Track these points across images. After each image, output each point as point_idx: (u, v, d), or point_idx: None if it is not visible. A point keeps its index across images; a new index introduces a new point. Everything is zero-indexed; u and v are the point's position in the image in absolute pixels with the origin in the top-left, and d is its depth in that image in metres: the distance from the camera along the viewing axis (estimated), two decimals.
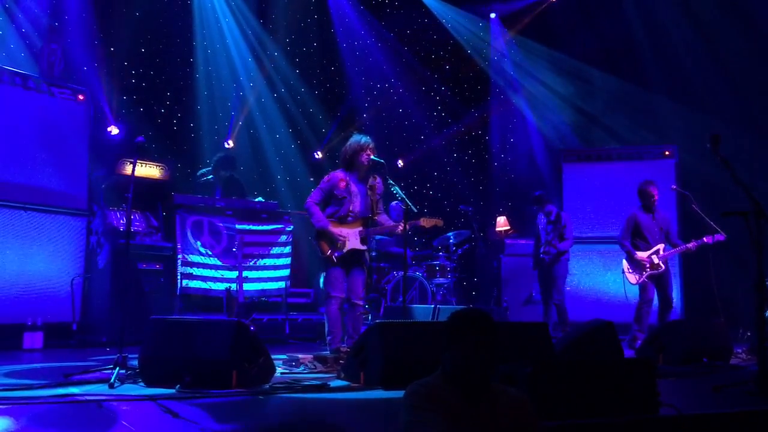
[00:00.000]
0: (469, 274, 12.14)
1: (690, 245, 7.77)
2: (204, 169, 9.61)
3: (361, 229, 6.24)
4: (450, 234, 9.92)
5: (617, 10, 11.58)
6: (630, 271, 8.03)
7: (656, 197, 8.03)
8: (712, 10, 10.71)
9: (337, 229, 6.17)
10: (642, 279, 7.92)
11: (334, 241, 6.14)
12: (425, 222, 6.31)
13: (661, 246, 7.94)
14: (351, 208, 6.25)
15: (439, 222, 6.45)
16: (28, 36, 8.65)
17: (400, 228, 6.20)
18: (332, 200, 6.29)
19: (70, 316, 7.44)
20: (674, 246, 7.97)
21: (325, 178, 6.40)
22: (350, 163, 6.33)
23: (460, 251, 10.08)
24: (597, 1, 11.77)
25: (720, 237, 7.51)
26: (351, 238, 6.20)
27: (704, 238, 7.63)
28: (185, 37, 10.67)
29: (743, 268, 8.26)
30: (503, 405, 2.69)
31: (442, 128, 13.12)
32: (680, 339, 6.39)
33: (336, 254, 6.13)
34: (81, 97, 8.07)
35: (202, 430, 3.37)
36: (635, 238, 8.07)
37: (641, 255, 7.94)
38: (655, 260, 7.89)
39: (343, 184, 6.26)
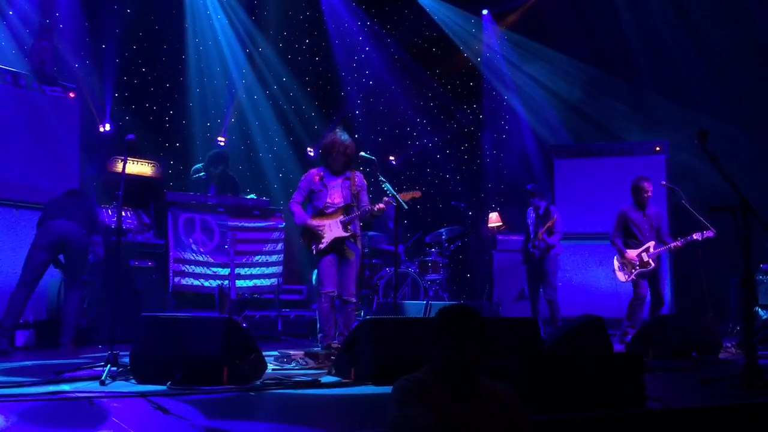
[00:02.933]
0: (461, 270, 12.17)
1: (679, 242, 7.81)
2: (198, 165, 9.60)
3: (342, 217, 6.27)
4: (442, 230, 9.94)
5: (608, 7, 11.62)
6: (620, 269, 8.05)
7: (650, 193, 8.01)
8: (702, 6, 10.77)
9: (317, 221, 6.26)
10: (631, 277, 7.93)
11: (315, 234, 6.20)
12: (403, 196, 6.24)
13: (651, 243, 7.94)
14: (328, 200, 6.33)
15: (417, 194, 6.42)
16: (18, 33, 8.62)
17: (379, 206, 6.19)
18: (312, 195, 6.40)
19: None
20: (665, 243, 7.98)
21: (302, 177, 6.56)
22: (324, 158, 6.46)
23: (452, 247, 10.10)
24: None
25: (709, 233, 7.52)
26: (332, 227, 6.24)
27: (694, 235, 7.65)
28: (177, 34, 10.65)
29: (732, 263, 8.30)
30: (491, 400, 2.72)
31: (435, 125, 13.13)
32: (670, 334, 6.41)
33: (320, 245, 6.18)
34: (72, 94, 8.06)
35: (192, 427, 3.39)
36: (626, 235, 8.07)
37: (631, 254, 7.95)
38: (645, 258, 7.89)
39: (317, 179, 6.39)
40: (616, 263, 8.12)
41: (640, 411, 3.70)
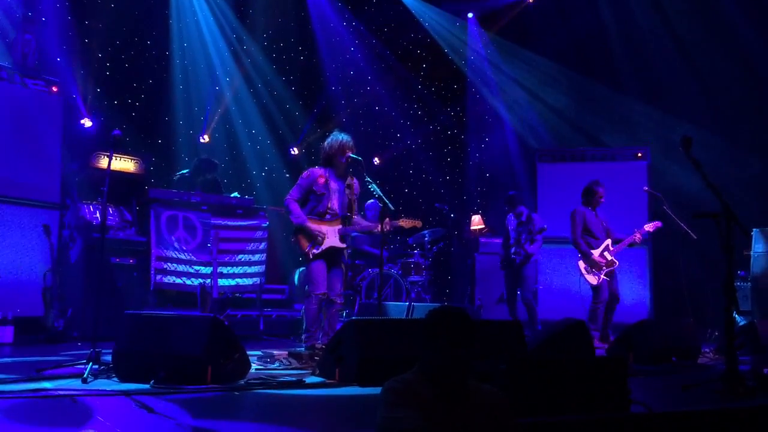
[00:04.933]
0: (443, 271, 12.20)
1: (637, 235, 7.83)
2: (184, 170, 9.52)
3: (340, 227, 6.22)
4: (425, 232, 9.95)
5: (592, 13, 11.72)
6: (587, 271, 7.95)
7: (603, 198, 8.05)
8: (684, 13, 10.89)
9: (315, 226, 6.15)
10: (602, 278, 7.84)
11: (314, 237, 6.10)
12: (404, 223, 6.31)
13: (608, 241, 7.97)
14: (330, 205, 6.22)
15: (418, 223, 6.45)
16: (1, 26, 8.50)
17: (379, 228, 6.18)
18: (311, 196, 6.23)
19: (41, 310, 7.34)
20: (619, 241, 7.97)
21: (304, 174, 6.32)
22: (329, 160, 6.30)
23: (435, 249, 10.12)
24: (573, 4, 11.90)
25: (658, 224, 7.78)
26: (330, 235, 6.17)
27: (645, 227, 7.84)
28: (161, 29, 10.57)
29: (710, 269, 8.44)
30: (479, 402, 2.72)
31: (419, 126, 13.16)
32: (650, 338, 6.47)
33: (315, 250, 6.10)
34: (55, 88, 7.96)
35: (178, 426, 3.37)
36: (585, 236, 8.03)
37: (596, 254, 7.90)
38: (609, 257, 7.89)
39: (322, 180, 6.22)
40: (581, 265, 8.01)
41: (624, 415, 3.73)
